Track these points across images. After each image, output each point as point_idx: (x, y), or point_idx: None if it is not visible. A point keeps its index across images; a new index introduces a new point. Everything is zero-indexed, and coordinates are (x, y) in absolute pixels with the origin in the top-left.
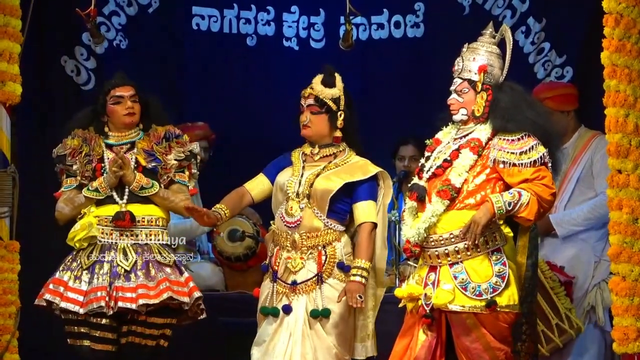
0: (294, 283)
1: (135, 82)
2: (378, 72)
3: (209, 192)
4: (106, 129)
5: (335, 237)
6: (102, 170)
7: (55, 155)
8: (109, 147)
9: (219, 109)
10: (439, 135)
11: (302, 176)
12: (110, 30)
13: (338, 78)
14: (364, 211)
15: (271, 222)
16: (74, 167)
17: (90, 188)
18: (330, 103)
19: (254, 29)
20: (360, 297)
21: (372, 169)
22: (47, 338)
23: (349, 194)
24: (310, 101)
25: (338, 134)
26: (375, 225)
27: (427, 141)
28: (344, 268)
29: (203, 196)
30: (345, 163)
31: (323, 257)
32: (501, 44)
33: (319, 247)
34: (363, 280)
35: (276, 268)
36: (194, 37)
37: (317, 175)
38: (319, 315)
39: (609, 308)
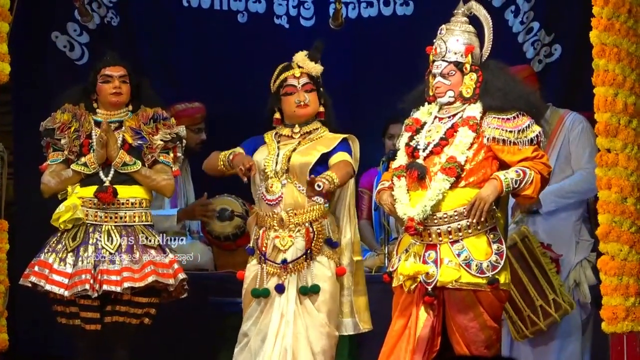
0: (284, 262)
1: (128, 62)
2: (368, 50)
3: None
4: (95, 106)
5: (321, 213)
6: (90, 146)
7: (43, 128)
8: (97, 124)
9: (211, 86)
10: (416, 114)
11: (278, 155)
12: (101, 6)
13: None
14: (340, 155)
15: (252, 206)
16: (62, 141)
17: (79, 162)
18: (320, 79)
19: (244, 6)
20: (319, 186)
21: (342, 135)
22: (36, 317)
23: (327, 164)
24: (305, 80)
25: (321, 109)
26: (352, 165)
27: (407, 120)
28: (332, 244)
29: (195, 174)
30: (319, 138)
31: (311, 234)
32: (473, 21)
33: (306, 224)
34: (327, 183)
35: (264, 249)
36: (184, 13)
37: (294, 150)
38: (308, 291)
39: (591, 286)
